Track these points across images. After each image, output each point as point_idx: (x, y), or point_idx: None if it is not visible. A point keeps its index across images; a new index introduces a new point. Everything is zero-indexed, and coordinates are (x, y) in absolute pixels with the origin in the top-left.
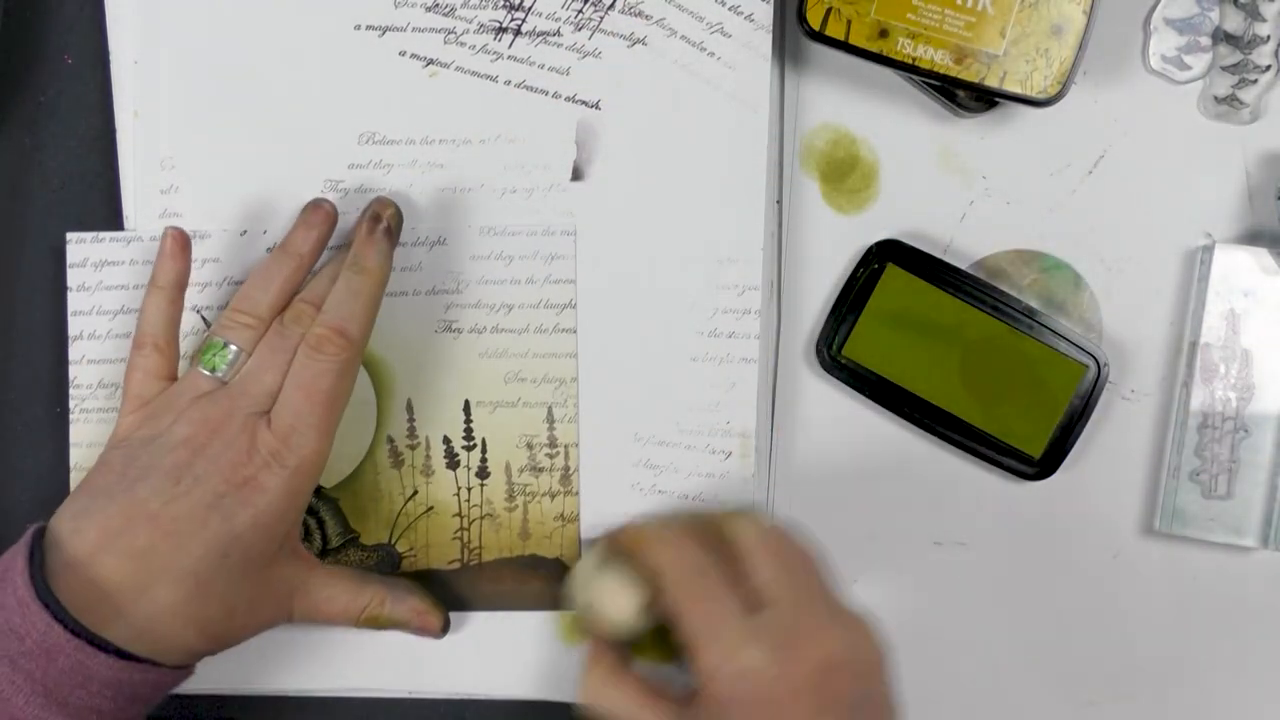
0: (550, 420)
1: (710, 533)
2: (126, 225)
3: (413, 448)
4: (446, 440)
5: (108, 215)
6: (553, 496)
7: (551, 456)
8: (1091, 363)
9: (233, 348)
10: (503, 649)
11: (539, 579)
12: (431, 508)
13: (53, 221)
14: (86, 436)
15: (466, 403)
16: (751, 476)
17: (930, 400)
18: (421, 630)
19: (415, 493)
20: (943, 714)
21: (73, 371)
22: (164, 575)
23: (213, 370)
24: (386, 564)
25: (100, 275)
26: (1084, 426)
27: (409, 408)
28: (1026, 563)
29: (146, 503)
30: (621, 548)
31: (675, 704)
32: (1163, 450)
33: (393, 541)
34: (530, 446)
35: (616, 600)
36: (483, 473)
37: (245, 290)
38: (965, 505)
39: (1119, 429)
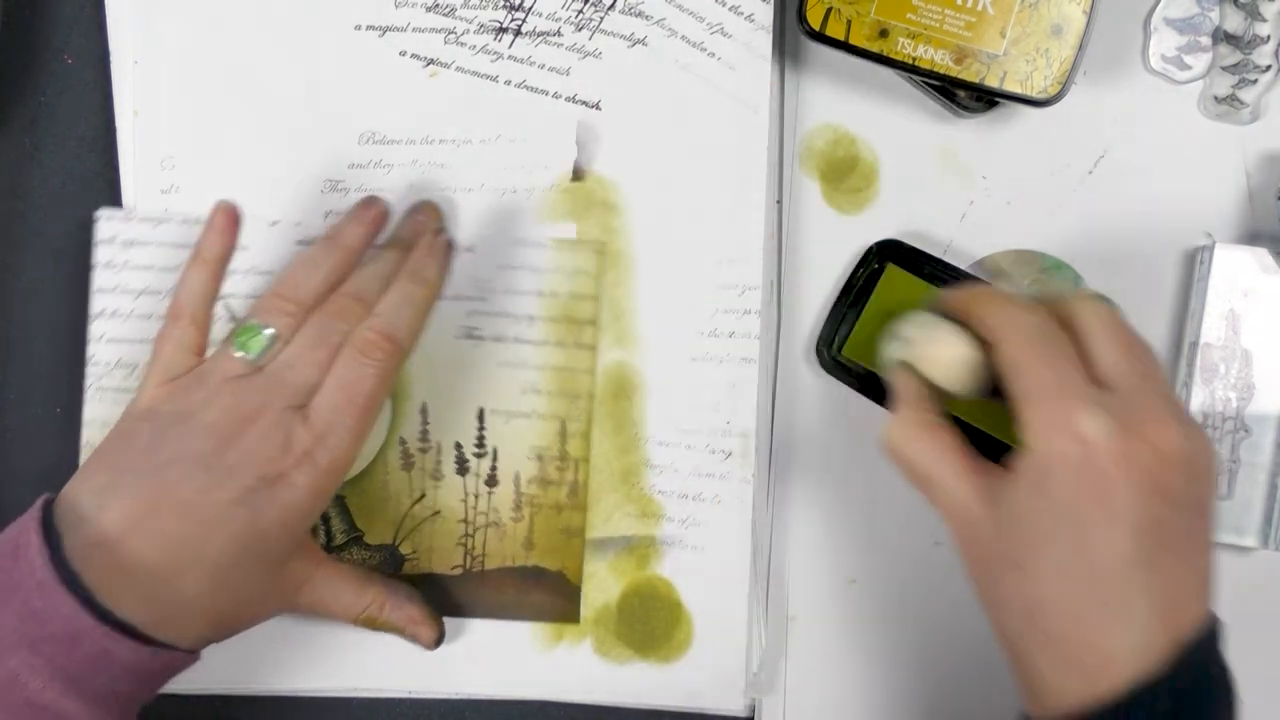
0: (563, 435)
1: (1053, 310)
2: None
3: (424, 451)
4: (458, 446)
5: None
6: (559, 510)
7: (561, 470)
8: None
9: (269, 331)
10: (503, 650)
11: (541, 590)
12: (438, 512)
13: (53, 221)
14: (101, 415)
15: (481, 410)
16: (751, 476)
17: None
18: (414, 639)
19: (423, 496)
20: (943, 713)
21: (91, 349)
22: (192, 564)
23: (245, 352)
24: (389, 564)
25: (128, 254)
26: None
27: (423, 411)
28: None
29: (178, 488)
30: (956, 300)
31: (985, 470)
32: None
33: (397, 543)
34: (541, 459)
35: (945, 352)
36: (491, 481)
37: (289, 276)
38: None
39: None
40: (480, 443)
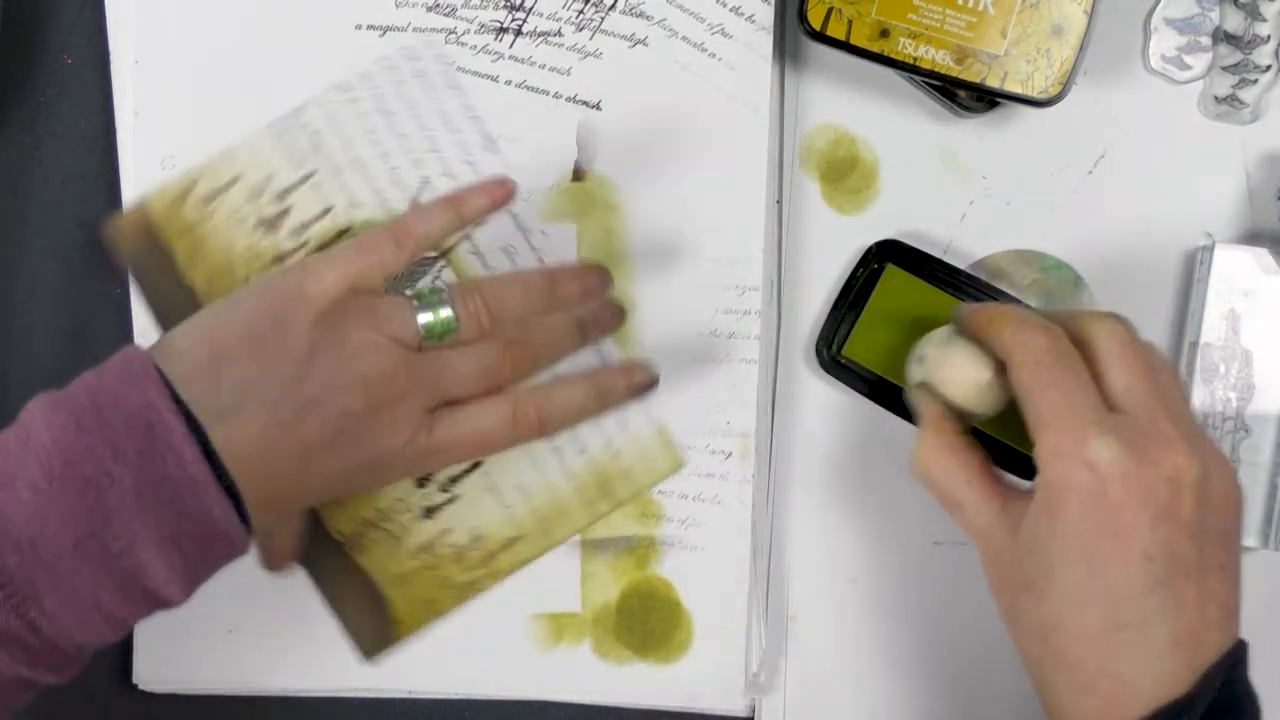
0: (510, 540)
1: (1068, 328)
2: None
3: None
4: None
5: (108, 215)
6: (455, 569)
7: (486, 559)
8: None
9: (448, 315)
10: (503, 650)
11: (362, 614)
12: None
13: (53, 221)
14: None
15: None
16: (751, 477)
17: None
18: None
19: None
20: (943, 713)
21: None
22: (295, 502)
23: (419, 309)
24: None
25: None
26: None
27: None
28: None
29: (308, 438)
30: (974, 322)
31: (1008, 494)
32: None
33: None
34: (479, 537)
35: (964, 373)
36: (429, 513)
37: (497, 286)
38: None
39: None
40: (454, 481)
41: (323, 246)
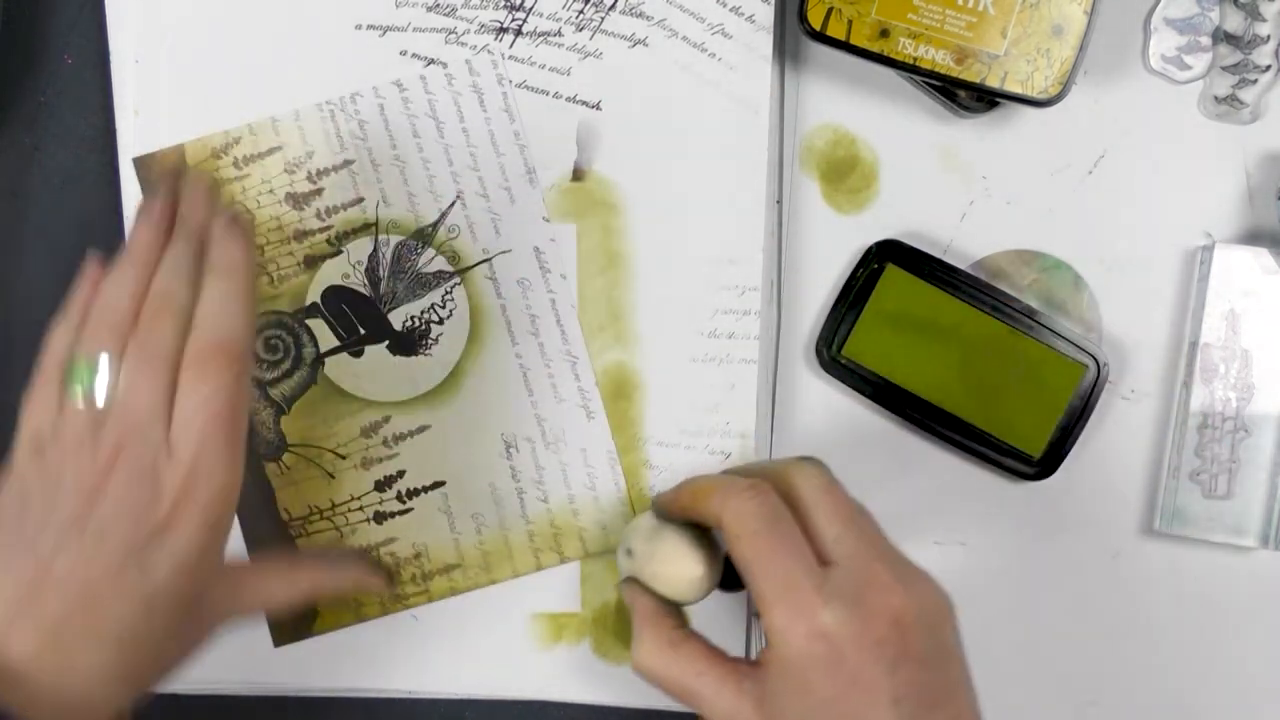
0: (455, 562)
1: (772, 483)
2: (128, 225)
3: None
4: (401, 474)
5: (108, 215)
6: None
7: (421, 580)
8: (1091, 363)
9: (102, 358)
10: (503, 650)
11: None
12: (334, 477)
13: (53, 221)
14: None
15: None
16: None
17: (930, 400)
18: (368, 591)
19: (344, 457)
20: None
21: None
22: (84, 644)
23: (82, 388)
24: (270, 451)
25: None
26: (1084, 426)
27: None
28: (1026, 563)
29: (52, 564)
30: (679, 505)
31: (739, 669)
32: (1162, 450)
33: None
34: (420, 555)
35: (676, 568)
36: (380, 518)
37: (99, 298)
38: (965, 505)
39: (1119, 429)
40: (412, 495)
41: (347, 234)
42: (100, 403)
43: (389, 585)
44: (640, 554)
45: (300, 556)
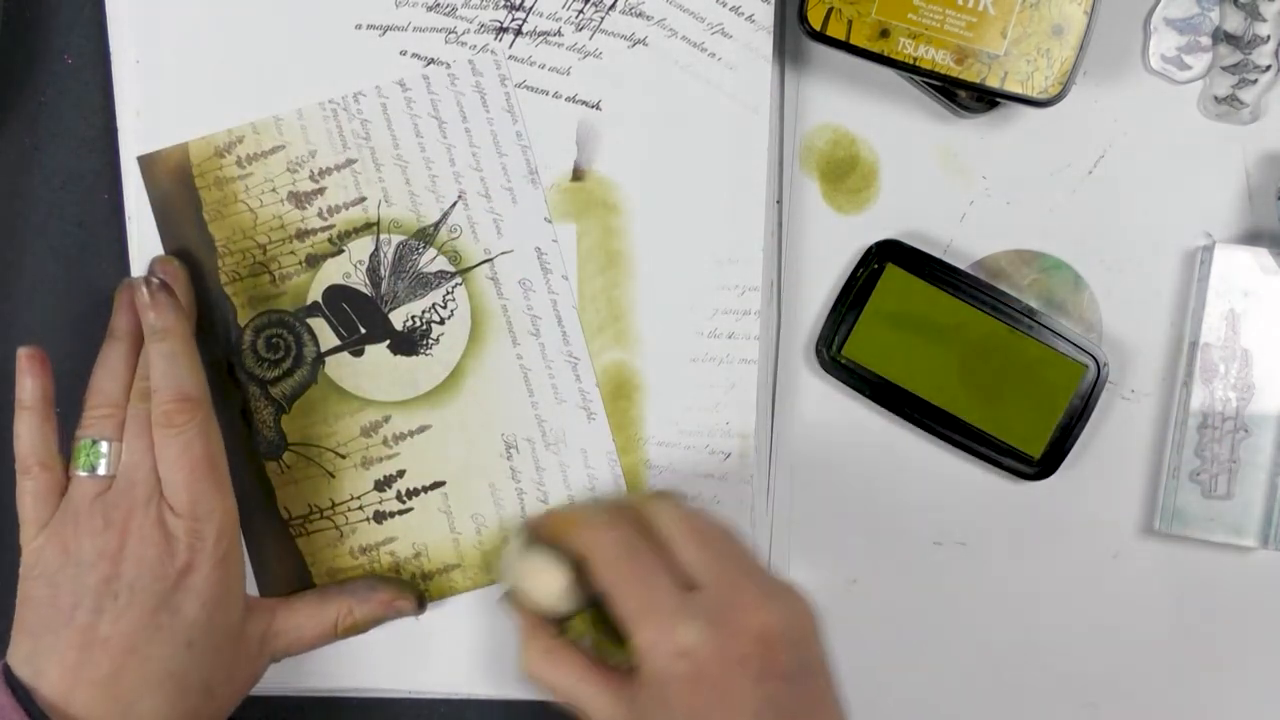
0: (452, 562)
1: (631, 517)
2: (128, 225)
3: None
4: (401, 474)
5: (108, 215)
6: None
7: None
8: (1091, 363)
9: (104, 443)
10: (503, 649)
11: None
12: (334, 476)
13: (53, 221)
14: None
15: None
16: (751, 477)
17: (930, 400)
18: (400, 615)
19: (345, 456)
20: (943, 713)
21: None
22: (140, 690)
23: (92, 470)
24: (271, 450)
25: None
26: (1084, 426)
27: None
28: (1026, 563)
29: (93, 628)
30: (544, 532)
31: (615, 678)
32: (1163, 450)
33: (286, 443)
34: (421, 554)
35: (543, 582)
36: (380, 517)
37: (94, 384)
38: (965, 505)
39: (1119, 429)
40: (412, 495)
41: (349, 234)
42: (108, 474)
43: (419, 608)
44: (514, 571)
45: (329, 590)
